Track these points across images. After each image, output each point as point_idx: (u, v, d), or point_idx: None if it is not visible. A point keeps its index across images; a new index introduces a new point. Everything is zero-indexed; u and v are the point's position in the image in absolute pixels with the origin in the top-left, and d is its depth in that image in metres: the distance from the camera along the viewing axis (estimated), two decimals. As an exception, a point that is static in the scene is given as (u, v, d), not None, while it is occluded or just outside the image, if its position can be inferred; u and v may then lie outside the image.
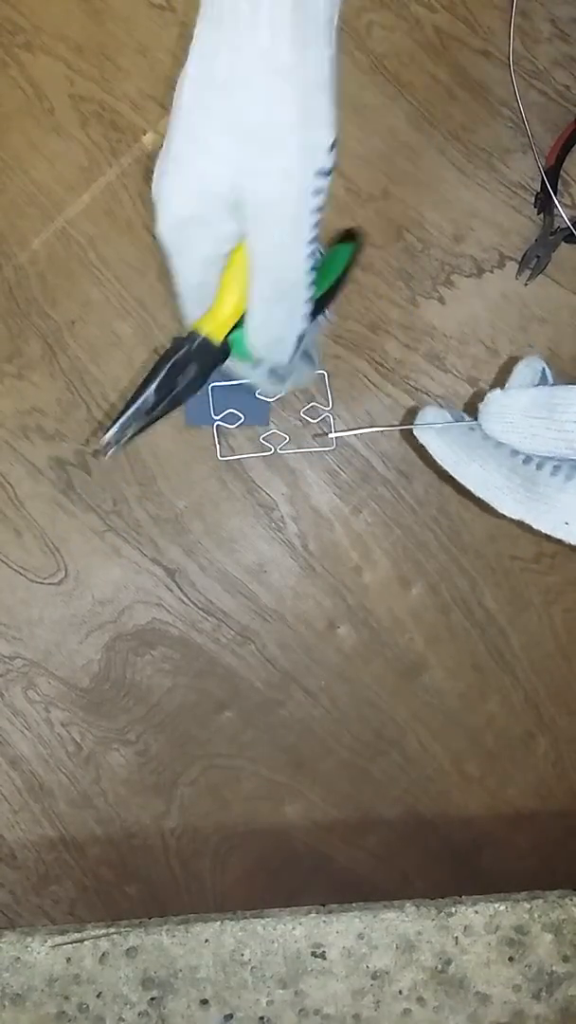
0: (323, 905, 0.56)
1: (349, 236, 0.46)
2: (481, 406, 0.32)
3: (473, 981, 0.55)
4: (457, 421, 0.33)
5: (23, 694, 0.56)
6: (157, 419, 0.36)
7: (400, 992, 0.55)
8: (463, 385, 0.56)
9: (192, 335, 0.36)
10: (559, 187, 0.55)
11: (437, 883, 0.58)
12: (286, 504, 0.56)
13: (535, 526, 0.31)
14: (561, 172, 0.55)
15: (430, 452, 0.34)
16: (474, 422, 0.33)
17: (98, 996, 0.54)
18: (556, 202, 0.54)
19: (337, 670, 0.57)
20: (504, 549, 0.56)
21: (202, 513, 0.56)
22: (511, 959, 0.55)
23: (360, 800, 0.58)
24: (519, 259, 0.55)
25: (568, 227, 0.54)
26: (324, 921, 0.54)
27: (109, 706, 0.56)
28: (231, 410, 0.54)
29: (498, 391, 0.31)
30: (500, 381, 0.34)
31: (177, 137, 0.32)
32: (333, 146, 0.31)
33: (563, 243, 0.55)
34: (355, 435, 0.55)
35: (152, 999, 0.54)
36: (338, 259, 0.44)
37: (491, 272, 0.56)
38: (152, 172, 0.33)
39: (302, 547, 0.56)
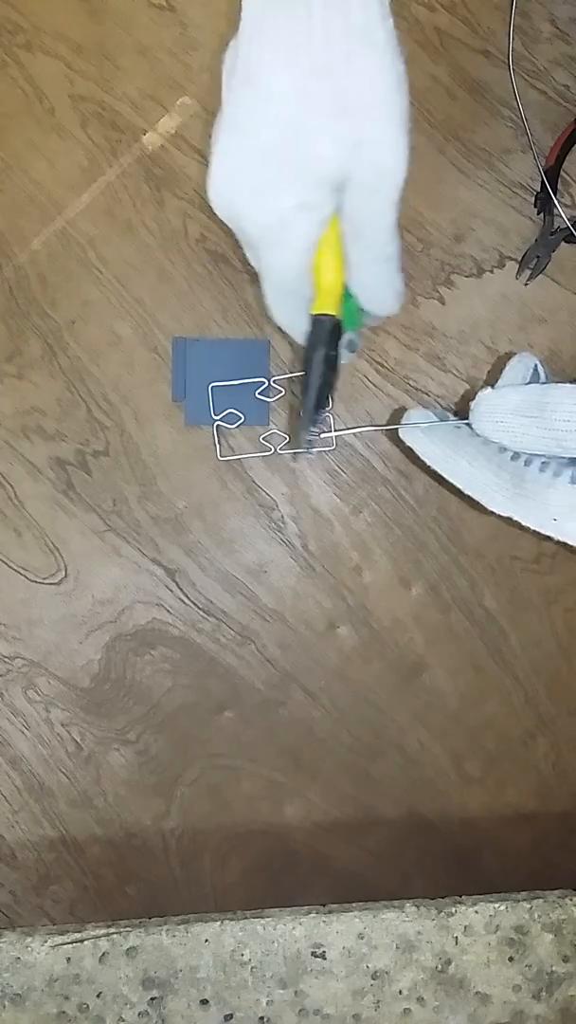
0: (323, 905, 0.56)
1: None
2: (472, 405, 0.32)
3: (473, 981, 0.55)
4: (442, 420, 0.34)
5: (23, 694, 0.56)
6: (326, 407, 0.37)
7: (400, 992, 0.55)
8: (463, 385, 0.56)
9: (321, 319, 0.36)
10: (559, 187, 0.55)
11: (437, 883, 0.58)
12: (286, 504, 0.56)
13: (524, 523, 0.31)
14: (561, 172, 0.55)
15: (417, 453, 0.34)
16: (460, 421, 0.33)
17: (98, 996, 0.54)
18: (556, 202, 0.54)
19: (337, 670, 0.57)
20: (504, 549, 0.56)
21: (202, 513, 0.56)
22: (511, 959, 0.55)
23: (360, 800, 0.58)
24: (519, 259, 0.55)
25: (568, 227, 0.54)
26: (324, 921, 0.54)
27: (109, 706, 0.56)
28: (231, 410, 0.54)
29: (488, 390, 0.32)
30: (494, 378, 0.35)
31: (268, 132, 0.31)
32: None
33: (563, 243, 0.55)
34: (354, 434, 0.55)
35: (152, 999, 0.54)
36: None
37: (491, 272, 0.56)
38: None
39: (302, 547, 0.56)
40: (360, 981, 0.54)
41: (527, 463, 0.31)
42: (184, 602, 0.56)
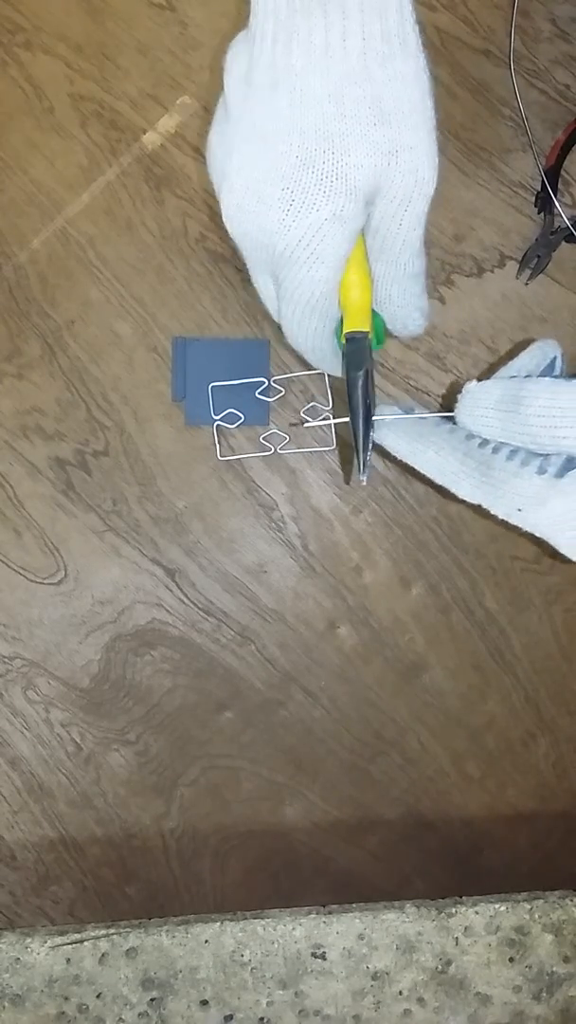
0: (323, 906, 0.56)
1: None
2: (459, 397, 0.32)
3: (473, 982, 0.55)
4: (407, 413, 0.34)
5: (23, 694, 0.56)
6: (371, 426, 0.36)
7: (400, 993, 0.55)
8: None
9: (357, 336, 0.35)
10: (559, 187, 0.55)
11: (437, 883, 0.58)
12: (286, 504, 0.56)
13: (492, 511, 0.30)
14: (561, 172, 0.55)
15: (386, 447, 0.34)
16: (427, 413, 0.33)
17: (98, 997, 0.54)
18: (556, 202, 0.54)
19: (337, 670, 0.57)
20: (505, 549, 0.56)
21: (202, 513, 0.56)
22: (511, 960, 0.55)
23: (360, 800, 0.58)
24: (519, 259, 0.55)
25: (568, 227, 0.54)
26: (324, 922, 0.54)
27: (109, 706, 0.56)
28: (231, 410, 0.54)
29: (473, 383, 0.32)
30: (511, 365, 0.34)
31: (300, 140, 0.30)
32: None
33: (563, 243, 0.55)
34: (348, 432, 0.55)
35: (152, 1000, 0.54)
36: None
37: (491, 272, 0.56)
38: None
39: (302, 547, 0.56)
40: (360, 982, 0.54)
41: (495, 451, 0.31)
42: (184, 602, 0.56)
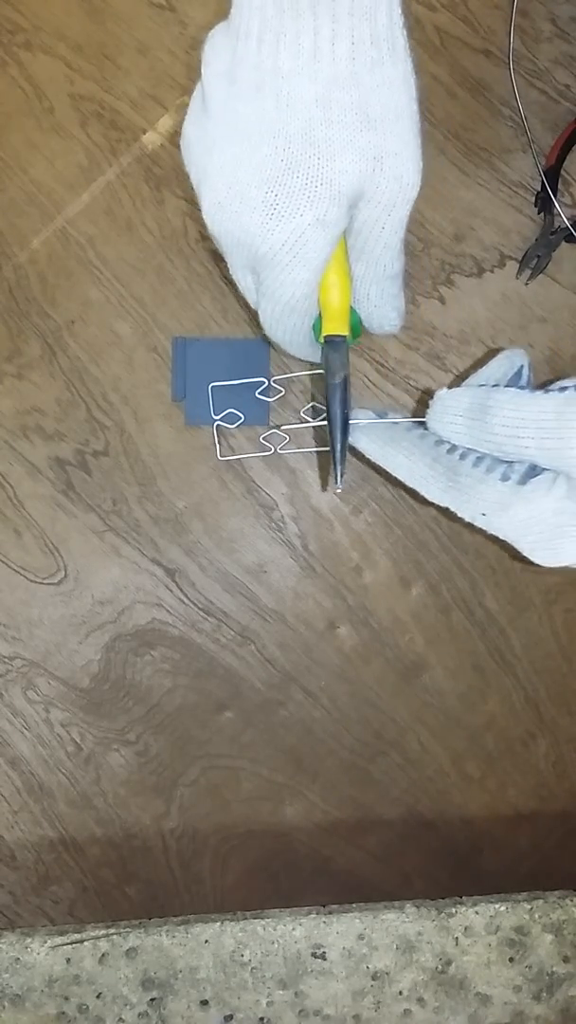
0: (323, 906, 0.56)
1: None
2: (430, 403, 0.32)
3: (473, 982, 0.55)
4: (381, 418, 0.34)
5: (23, 694, 0.56)
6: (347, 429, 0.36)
7: (400, 993, 0.55)
8: (463, 385, 0.56)
9: (334, 340, 0.35)
10: (559, 187, 0.55)
11: (437, 883, 0.58)
12: (286, 504, 0.56)
13: (459, 514, 0.31)
14: (561, 172, 0.55)
15: (359, 449, 0.35)
16: (400, 418, 0.34)
17: (98, 997, 0.54)
18: (556, 202, 0.54)
19: (337, 670, 0.57)
20: (505, 549, 0.56)
21: (202, 513, 0.56)
22: (511, 960, 0.55)
23: (360, 800, 0.57)
24: (519, 259, 0.55)
25: (568, 227, 0.54)
26: (324, 922, 0.54)
27: (109, 706, 0.56)
28: (231, 410, 0.54)
29: (444, 390, 0.32)
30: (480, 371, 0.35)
31: (286, 144, 0.29)
32: None
33: (563, 243, 0.55)
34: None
35: (152, 1000, 0.54)
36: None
37: (491, 272, 0.56)
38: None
39: (302, 547, 0.56)
40: (360, 982, 0.54)
41: (462, 456, 0.31)
42: (184, 602, 0.56)
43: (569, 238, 0.54)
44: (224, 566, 0.56)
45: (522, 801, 0.58)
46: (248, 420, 0.54)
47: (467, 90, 0.55)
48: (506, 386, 0.32)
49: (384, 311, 0.36)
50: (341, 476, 0.35)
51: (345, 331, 0.35)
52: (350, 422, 0.35)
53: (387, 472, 0.34)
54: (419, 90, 0.31)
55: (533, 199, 0.55)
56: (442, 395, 0.32)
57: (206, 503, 0.56)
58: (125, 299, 0.55)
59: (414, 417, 0.34)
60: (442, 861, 0.58)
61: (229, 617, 0.56)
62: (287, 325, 0.35)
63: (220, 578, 0.56)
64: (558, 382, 0.30)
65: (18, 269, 0.55)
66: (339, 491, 0.36)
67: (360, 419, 0.35)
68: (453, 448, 0.32)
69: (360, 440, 0.35)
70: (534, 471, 0.29)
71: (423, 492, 0.32)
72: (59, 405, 0.55)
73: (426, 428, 0.33)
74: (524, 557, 0.30)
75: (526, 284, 0.56)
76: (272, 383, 0.54)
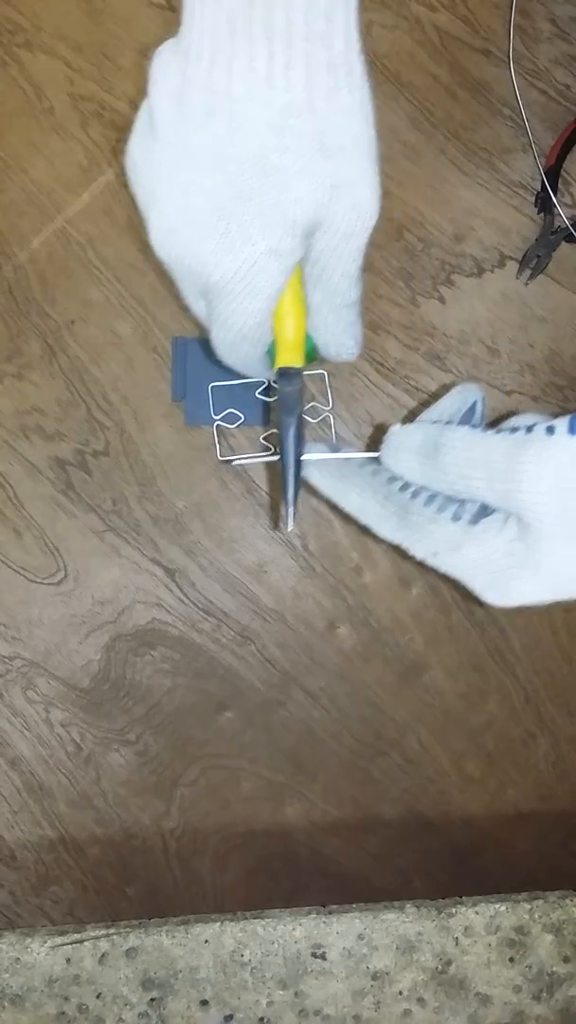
0: (323, 906, 0.56)
1: None
2: (384, 439, 0.32)
3: (473, 982, 0.55)
4: (335, 452, 0.34)
5: (23, 694, 0.56)
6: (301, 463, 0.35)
7: (400, 993, 0.54)
8: (463, 385, 0.56)
9: (288, 373, 0.34)
10: (559, 187, 0.55)
11: (437, 883, 0.58)
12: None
13: (410, 552, 0.31)
14: (561, 172, 0.55)
15: (312, 484, 0.34)
16: (353, 453, 0.34)
17: (98, 997, 0.54)
18: (556, 202, 0.54)
19: (337, 670, 0.57)
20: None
21: (202, 513, 0.56)
22: (511, 960, 0.55)
23: (360, 800, 0.57)
24: (519, 259, 0.55)
25: (568, 227, 0.54)
26: (324, 922, 0.54)
27: (109, 706, 0.56)
28: (231, 410, 0.54)
29: (398, 426, 0.32)
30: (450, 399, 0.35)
31: (238, 171, 0.28)
32: None
33: (563, 243, 0.55)
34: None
35: (152, 1000, 0.54)
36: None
37: (491, 272, 0.56)
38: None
39: (302, 547, 0.56)
40: (360, 982, 0.54)
41: (414, 495, 0.31)
42: (184, 602, 0.56)
43: (569, 238, 0.54)
44: (224, 566, 0.56)
45: (522, 801, 0.58)
46: (248, 420, 0.54)
47: (467, 90, 0.55)
48: (460, 422, 0.32)
49: (341, 339, 0.35)
50: (293, 516, 0.34)
51: (300, 363, 0.34)
52: (303, 458, 0.34)
53: (340, 508, 0.34)
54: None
55: (533, 199, 0.55)
56: (395, 431, 0.32)
57: (206, 503, 0.56)
58: (125, 299, 0.55)
59: (368, 452, 0.34)
60: (442, 861, 0.58)
61: (229, 617, 0.56)
62: (239, 352, 0.34)
63: (220, 578, 0.56)
64: (511, 420, 0.30)
65: (18, 269, 0.55)
66: (291, 528, 0.35)
67: (314, 454, 0.35)
68: (405, 486, 0.32)
69: (313, 475, 0.34)
70: (486, 511, 0.29)
71: (375, 530, 0.32)
72: (59, 405, 0.55)
73: (380, 464, 0.33)
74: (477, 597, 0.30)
75: (526, 284, 0.56)
76: (272, 383, 0.54)
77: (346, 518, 0.55)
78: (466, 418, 0.33)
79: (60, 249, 0.55)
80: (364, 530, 0.33)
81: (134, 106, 0.55)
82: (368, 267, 0.55)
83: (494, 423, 0.30)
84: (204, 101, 0.28)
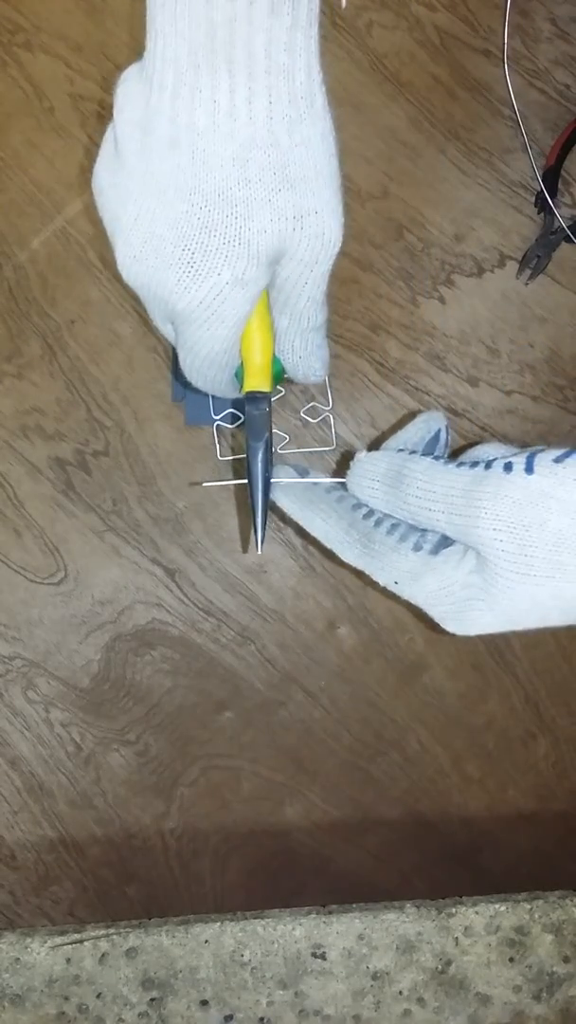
0: (323, 906, 0.56)
1: None
2: (351, 465, 0.33)
3: (473, 982, 0.55)
4: (302, 476, 0.35)
5: (23, 694, 0.56)
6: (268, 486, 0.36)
7: (400, 993, 0.55)
8: (463, 385, 0.56)
9: (256, 397, 0.35)
10: (559, 187, 0.55)
11: (437, 883, 0.58)
12: (286, 504, 0.56)
13: (374, 578, 0.32)
14: (561, 172, 0.55)
15: (280, 506, 0.35)
16: (321, 478, 0.34)
17: (98, 997, 0.54)
18: (556, 202, 0.54)
19: (337, 670, 0.57)
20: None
21: (202, 513, 0.56)
22: (511, 960, 0.55)
23: (360, 800, 0.57)
24: (519, 259, 0.55)
25: (568, 227, 0.54)
26: (324, 922, 0.54)
27: (109, 706, 0.56)
28: (231, 410, 0.54)
29: (364, 453, 0.33)
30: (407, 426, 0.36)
31: (202, 202, 0.29)
32: None
33: (563, 243, 0.55)
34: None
35: (152, 1000, 0.54)
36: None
37: (491, 272, 0.56)
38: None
39: (302, 547, 0.56)
40: (360, 982, 0.54)
41: (377, 523, 0.32)
42: (184, 602, 0.56)
43: (569, 238, 0.54)
44: (224, 566, 0.56)
45: (522, 801, 0.58)
46: (248, 420, 0.54)
47: (467, 90, 0.55)
48: (424, 450, 0.33)
49: (309, 362, 0.35)
50: (262, 541, 0.35)
51: (268, 387, 0.35)
52: (271, 481, 0.35)
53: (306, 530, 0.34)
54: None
55: (533, 199, 0.55)
56: (361, 458, 0.32)
57: (206, 503, 0.56)
58: (125, 299, 0.55)
59: (334, 477, 0.35)
60: (442, 861, 0.58)
61: (229, 617, 0.56)
62: (207, 376, 0.35)
63: (220, 578, 0.56)
64: (473, 451, 0.30)
65: (18, 269, 0.55)
66: (260, 551, 0.36)
67: (281, 478, 0.35)
68: (370, 513, 0.32)
69: (280, 499, 0.35)
70: (447, 541, 0.30)
71: (339, 554, 0.33)
72: (59, 405, 0.55)
73: (346, 490, 0.34)
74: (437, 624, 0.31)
75: (526, 284, 0.56)
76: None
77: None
78: (430, 446, 0.34)
79: (60, 249, 0.55)
80: (330, 553, 0.33)
81: (134, 106, 0.55)
82: (368, 267, 0.55)
83: (456, 453, 0.31)
84: (168, 132, 0.28)
